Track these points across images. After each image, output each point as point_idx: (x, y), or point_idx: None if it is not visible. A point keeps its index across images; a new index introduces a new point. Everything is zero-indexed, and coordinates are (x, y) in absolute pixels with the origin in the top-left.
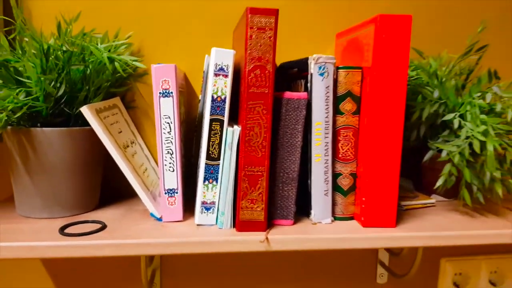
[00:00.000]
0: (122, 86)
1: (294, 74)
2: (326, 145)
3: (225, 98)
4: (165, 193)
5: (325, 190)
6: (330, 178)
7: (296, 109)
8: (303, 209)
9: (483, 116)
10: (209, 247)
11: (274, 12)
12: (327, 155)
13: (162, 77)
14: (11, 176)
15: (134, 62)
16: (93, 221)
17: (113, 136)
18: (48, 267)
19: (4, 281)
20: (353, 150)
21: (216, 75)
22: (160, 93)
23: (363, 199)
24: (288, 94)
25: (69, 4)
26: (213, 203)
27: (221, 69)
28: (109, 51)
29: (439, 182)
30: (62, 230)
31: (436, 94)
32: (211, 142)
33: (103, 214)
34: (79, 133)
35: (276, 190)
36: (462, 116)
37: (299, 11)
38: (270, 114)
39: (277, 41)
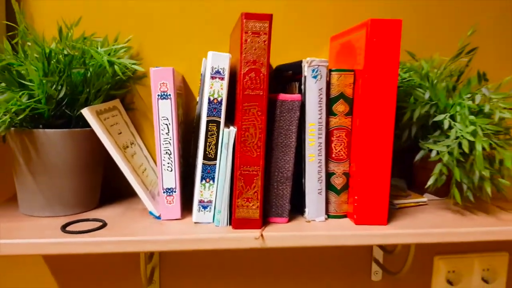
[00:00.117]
0: (121, 89)
1: (289, 76)
2: (319, 145)
3: (221, 100)
4: (164, 192)
5: (318, 189)
6: (323, 177)
7: (290, 111)
8: (297, 208)
9: (472, 117)
10: (206, 244)
11: (268, 17)
12: (321, 155)
13: (160, 79)
14: (14, 176)
15: (133, 65)
16: (93, 219)
17: (113, 137)
18: (50, 264)
19: (7, 278)
20: (346, 150)
21: (212, 78)
22: (158, 95)
23: (356, 197)
24: (282, 96)
25: (70, 9)
26: (210, 201)
27: (218, 72)
28: (109, 54)
29: (430, 181)
30: (64, 228)
31: (427, 95)
32: (208, 143)
33: (104, 213)
34: (80, 134)
35: (271, 189)
36: (452, 117)
37: (295, 15)
38: (265, 116)
39: (274, 44)
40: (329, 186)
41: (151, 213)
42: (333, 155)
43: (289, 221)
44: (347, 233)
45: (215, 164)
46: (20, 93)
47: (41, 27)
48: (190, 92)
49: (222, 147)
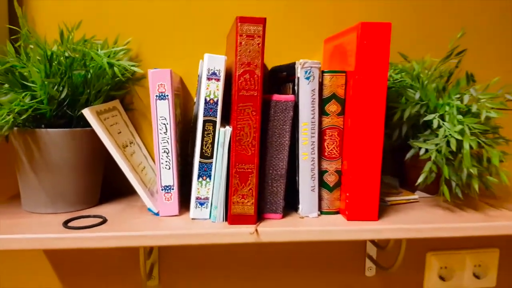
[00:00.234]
0: (121, 90)
1: (284, 77)
2: (312, 144)
3: (217, 100)
4: (162, 190)
5: (312, 186)
6: (316, 175)
7: (284, 111)
8: (291, 204)
9: (459, 117)
10: (202, 239)
11: (262, 21)
12: (314, 154)
13: (158, 81)
14: (17, 174)
15: (132, 67)
16: (94, 216)
17: (113, 136)
18: (51, 260)
19: (9, 273)
20: (338, 148)
21: (208, 79)
22: (156, 96)
23: (347, 194)
24: (276, 97)
25: (71, 13)
26: (207, 198)
27: (214, 73)
28: (108, 56)
29: (420, 179)
30: (65, 223)
31: (417, 95)
32: (204, 142)
33: (104, 210)
34: (81, 134)
35: (266, 186)
36: (442, 117)
37: (291, 17)
38: (259, 115)
39: (270, 46)
40: (322, 184)
41: (150, 209)
42: (326, 154)
43: (283, 217)
44: (339, 228)
45: (212, 162)
46: (23, 94)
47: (43, 31)
48: (187, 93)
49: (218, 146)
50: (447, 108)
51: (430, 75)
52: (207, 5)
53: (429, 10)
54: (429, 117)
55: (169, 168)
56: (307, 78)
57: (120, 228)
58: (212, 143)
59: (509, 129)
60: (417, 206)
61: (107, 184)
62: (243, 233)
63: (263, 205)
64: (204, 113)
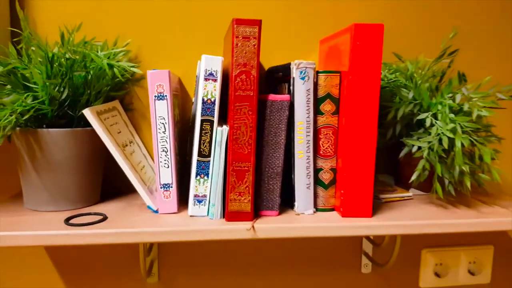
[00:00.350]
0: (120, 90)
1: (280, 77)
2: (308, 143)
3: (214, 100)
4: (161, 188)
5: (307, 184)
6: (312, 173)
7: (279, 110)
8: (287, 202)
9: (451, 115)
10: (200, 235)
11: (258, 23)
12: (309, 152)
13: (157, 81)
14: (20, 173)
15: (131, 68)
16: (95, 213)
17: (113, 136)
18: (53, 258)
19: (11, 270)
20: (333, 147)
21: (206, 79)
22: (155, 96)
23: (342, 191)
24: (272, 97)
25: (71, 15)
26: (205, 196)
27: (211, 74)
28: (108, 58)
29: (414, 176)
30: (67, 221)
31: (411, 95)
32: (202, 141)
33: (104, 207)
34: (82, 134)
35: (262, 184)
36: (435, 115)
37: (288, 18)
38: (255, 115)
39: (268, 47)
40: (317, 181)
41: (149, 207)
42: (321, 152)
43: (279, 214)
44: (334, 224)
45: (209, 160)
46: (25, 95)
47: (44, 33)
48: (186, 93)
49: (216, 145)
50: (439, 107)
51: (423, 75)
52: (204, 7)
53: (423, 11)
54: (422, 116)
55: (168, 167)
56: (302, 78)
57: (120, 225)
58: (210, 142)
59: (502, 127)
60: (411, 203)
61: (108, 183)
62: (240, 230)
63: (260, 202)
64: (201, 112)
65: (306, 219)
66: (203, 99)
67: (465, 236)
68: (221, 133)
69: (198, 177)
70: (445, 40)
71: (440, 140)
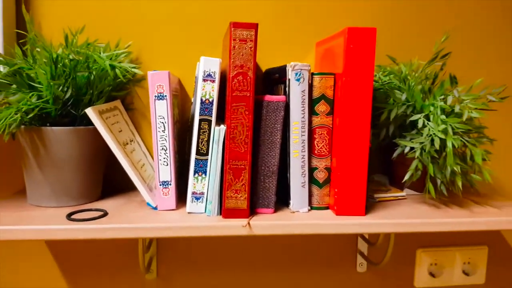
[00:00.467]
0: (122, 90)
1: (276, 79)
2: (303, 142)
3: (212, 100)
4: (160, 185)
5: (302, 183)
6: (307, 172)
7: (275, 110)
8: (282, 200)
9: (443, 117)
10: (197, 231)
11: (254, 26)
12: (304, 151)
13: (157, 82)
14: (24, 170)
15: (133, 69)
16: (96, 209)
17: (114, 134)
18: (54, 254)
19: (13, 266)
20: (327, 146)
21: (204, 80)
22: (155, 96)
23: (336, 190)
24: (268, 97)
25: (75, 18)
26: (202, 193)
27: (209, 75)
28: (110, 59)
29: (407, 176)
30: (69, 216)
31: (404, 97)
32: (200, 139)
33: (105, 204)
34: (84, 132)
35: (258, 182)
36: (427, 117)
37: (285, 21)
38: (252, 115)
39: (266, 49)
40: (312, 180)
41: (148, 204)
42: (316, 151)
43: (275, 211)
44: (328, 222)
45: (207, 159)
46: (30, 94)
47: (48, 35)
48: (185, 93)
49: (213, 143)
50: (431, 108)
51: (416, 77)
52: (203, 11)
53: (417, 15)
54: (415, 117)
55: (167, 165)
56: (298, 80)
57: (120, 220)
58: (208, 141)
59: (495, 129)
60: (404, 203)
61: (108, 180)
62: (236, 226)
63: (256, 200)
64: (200, 112)
65: (301, 217)
66: (201, 99)
67: (459, 236)
68: (218, 132)
69: (196, 175)
70: (437, 43)
71: (432, 141)
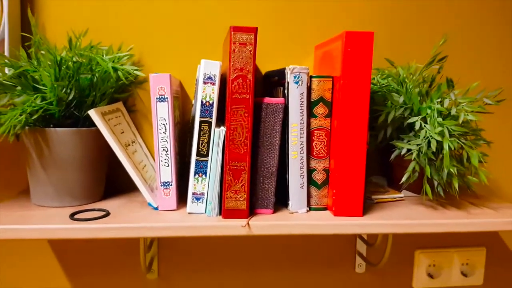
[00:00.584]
0: (124, 92)
1: (275, 81)
2: (301, 144)
3: (212, 103)
4: (161, 186)
5: (301, 184)
6: (305, 173)
7: (274, 113)
8: (281, 201)
9: (439, 119)
10: (197, 231)
11: (254, 30)
12: (303, 153)
13: (158, 84)
14: (28, 170)
15: (135, 71)
16: (98, 209)
17: (116, 136)
18: (57, 253)
19: (15, 265)
20: (326, 148)
21: (205, 83)
22: (157, 98)
23: (334, 191)
24: (267, 100)
25: (78, 21)
26: (202, 194)
27: (209, 78)
28: (113, 61)
29: (404, 178)
30: (71, 216)
31: (401, 99)
32: (200, 141)
33: (107, 204)
34: (87, 133)
35: (258, 183)
36: (424, 119)
37: (285, 25)
38: (251, 117)
39: (265, 53)
40: (311, 181)
41: (149, 204)
42: (314, 153)
43: (274, 212)
44: (326, 223)
45: (207, 160)
46: (34, 96)
47: (53, 38)
48: (186, 95)
49: (213, 145)
50: (428, 111)
51: (414, 80)
52: (204, 15)
53: (415, 19)
54: (412, 119)
55: (168, 166)
56: (296, 83)
57: (121, 220)
58: (208, 142)
59: (492, 131)
60: (402, 204)
61: (111, 181)
62: (235, 226)
63: (255, 200)
64: (200, 114)
65: (300, 218)
66: (202, 101)
67: (458, 238)
68: (218, 133)
69: (197, 175)
70: (435, 46)
71: (429, 143)
